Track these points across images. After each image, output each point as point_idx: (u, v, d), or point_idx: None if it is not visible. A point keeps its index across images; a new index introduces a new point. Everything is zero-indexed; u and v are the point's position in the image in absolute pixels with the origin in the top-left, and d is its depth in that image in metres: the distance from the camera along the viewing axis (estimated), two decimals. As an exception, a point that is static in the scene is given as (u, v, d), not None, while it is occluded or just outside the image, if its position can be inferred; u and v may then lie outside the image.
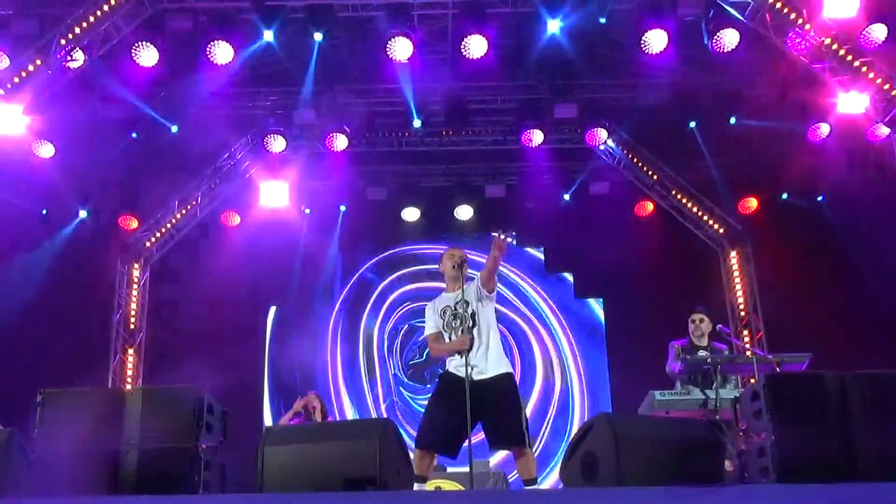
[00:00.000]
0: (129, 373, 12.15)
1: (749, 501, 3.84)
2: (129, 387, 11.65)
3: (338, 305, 13.22)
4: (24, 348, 10.60)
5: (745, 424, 4.63)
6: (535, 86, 11.53)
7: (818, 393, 4.27)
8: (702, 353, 7.23)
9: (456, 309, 5.74)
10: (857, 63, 9.36)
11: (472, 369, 5.47)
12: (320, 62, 10.65)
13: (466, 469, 5.45)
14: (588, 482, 4.30)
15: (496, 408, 5.49)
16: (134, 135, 11.43)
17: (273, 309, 13.07)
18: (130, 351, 12.29)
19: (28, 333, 10.76)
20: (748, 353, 7.25)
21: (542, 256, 13.25)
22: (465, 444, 5.44)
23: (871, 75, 9.35)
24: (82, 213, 12.18)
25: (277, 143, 11.67)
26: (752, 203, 12.66)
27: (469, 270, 5.90)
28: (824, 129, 11.21)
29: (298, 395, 11.54)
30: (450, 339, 5.75)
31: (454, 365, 5.68)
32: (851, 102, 9.92)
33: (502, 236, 5.62)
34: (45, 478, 4.26)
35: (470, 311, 5.75)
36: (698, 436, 4.53)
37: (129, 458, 4.41)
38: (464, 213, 12.92)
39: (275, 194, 12.52)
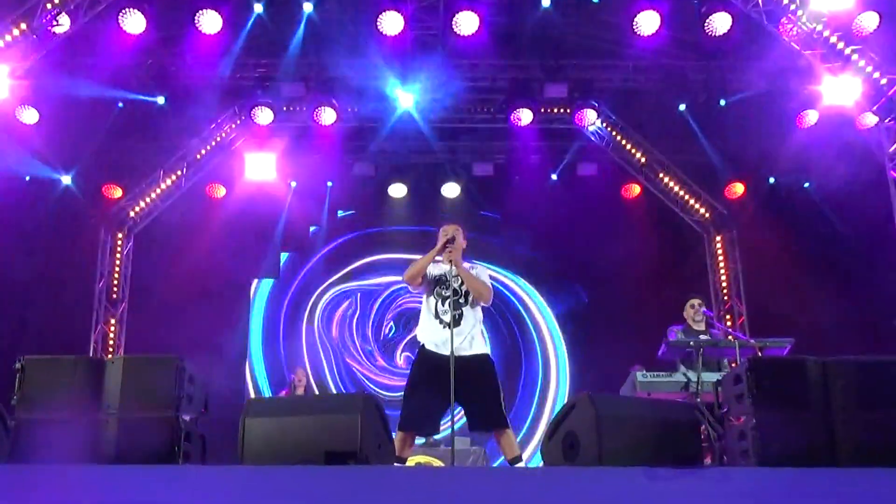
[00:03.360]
0: (111, 342, 12.10)
1: (728, 484, 3.85)
2: (111, 356, 11.60)
3: (323, 280, 13.21)
4: (5, 316, 10.52)
5: (726, 407, 4.64)
6: (525, 65, 11.48)
7: (800, 377, 4.28)
8: (703, 336, 7.24)
9: (449, 279, 5.72)
10: (847, 51, 9.37)
11: (455, 344, 5.44)
12: (310, 34, 10.57)
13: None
14: (569, 461, 4.31)
15: (477, 390, 5.50)
16: (120, 104, 11.32)
17: (256, 282, 13.04)
18: (112, 321, 12.23)
19: (9, 301, 10.68)
20: (730, 337, 7.28)
21: (527, 236, 13.23)
22: (447, 419, 5.46)
23: (862, 63, 9.37)
24: (66, 180, 12.05)
25: (264, 116, 11.57)
26: (739, 188, 12.68)
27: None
28: (812, 116, 11.22)
29: (285, 369, 11.57)
30: (436, 306, 5.74)
31: (433, 342, 5.66)
32: (840, 91, 9.95)
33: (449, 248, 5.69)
34: (24, 445, 4.24)
35: (465, 288, 5.74)
36: (679, 418, 4.55)
37: (108, 428, 4.37)
38: (451, 190, 12.89)
39: (261, 167, 12.46)
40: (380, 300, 13.12)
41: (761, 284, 11.99)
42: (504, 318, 13.00)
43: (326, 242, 13.19)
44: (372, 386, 12.60)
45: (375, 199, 12.99)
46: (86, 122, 11.30)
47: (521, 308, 13.21)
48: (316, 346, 12.91)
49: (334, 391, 12.23)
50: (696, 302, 7.54)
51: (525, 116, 11.66)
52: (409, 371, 5.84)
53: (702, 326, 7.47)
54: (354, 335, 13.02)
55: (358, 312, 13.12)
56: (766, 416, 4.20)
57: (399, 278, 12.55)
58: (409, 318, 12.69)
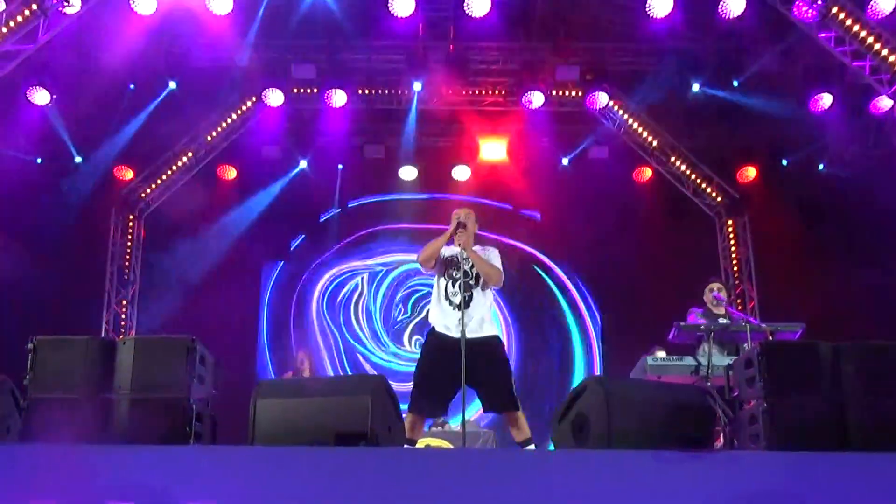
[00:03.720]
0: (123, 324, 12.16)
1: (738, 467, 3.84)
2: (121, 337, 11.65)
3: (323, 255, 13.20)
4: (18, 298, 10.57)
5: (737, 391, 4.63)
6: (536, 47, 11.41)
7: (812, 361, 4.26)
8: (722, 320, 7.21)
9: (460, 262, 5.71)
10: (863, 33, 9.28)
11: (465, 326, 5.44)
12: (321, 16, 10.54)
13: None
14: (579, 443, 4.31)
15: (488, 373, 5.48)
16: (132, 86, 11.33)
17: (268, 263, 13.04)
18: (124, 302, 12.29)
19: (22, 283, 10.73)
20: (742, 321, 7.23)
21: (537, 219, 13.18)
22: (455, 400, 5.45)
23: (878, 47, 9.28)
24: (77, 162, 12.08)
25: (275, 97, 11.57)
26: (751, 172, 12.62)
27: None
28: (827, 99, 11.13)
29: (293, 350, 11.55)
30: (446, 288, 5.73)
31: (443, 325, 5.66)
32: (854, 74, 9.88)
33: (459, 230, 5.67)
34: (36, 425, 4.26)
35: (475, 270, 5.73)
36: (689, 401, 4.53)
37: (120, 408, 4.39)
38: (461, 173, 12.86)
39: (272, 148, 12.47)
40: (388, 281, 13.08)
41: (773, 269, 11.94)
42: (524, 299, 12.96)
43: (336, 225, 13.16)
44: (376, 372, 12.56)
45: (386, 181, 12.95)
46: (97, 104, 11.32)
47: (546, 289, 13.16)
48: (313, 327, 12.88)
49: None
50: (715, 286, 7.50)
51: (536, 99, 11.61)
52: (418, 354, 5.84)
53: (721, 310, 7.43)
54: (361, 318, 13.00)
55: (364, 294, 13.08)
56: (776, 399, 4.19)
57: (405, 256, 12.67)
58: (418, 300, 12.68)
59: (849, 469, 3.69)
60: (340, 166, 12.94)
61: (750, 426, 4.38)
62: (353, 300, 13.07)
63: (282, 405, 4.34)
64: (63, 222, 11.43)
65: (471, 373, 5.31)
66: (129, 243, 12.51)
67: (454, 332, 5.48)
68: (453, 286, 5.67)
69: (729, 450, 4.78)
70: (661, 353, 7.12)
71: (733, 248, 12.69)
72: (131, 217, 12.57)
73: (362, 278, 13.14)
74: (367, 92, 11.99)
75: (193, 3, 9.99)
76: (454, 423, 8.99)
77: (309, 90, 11.84)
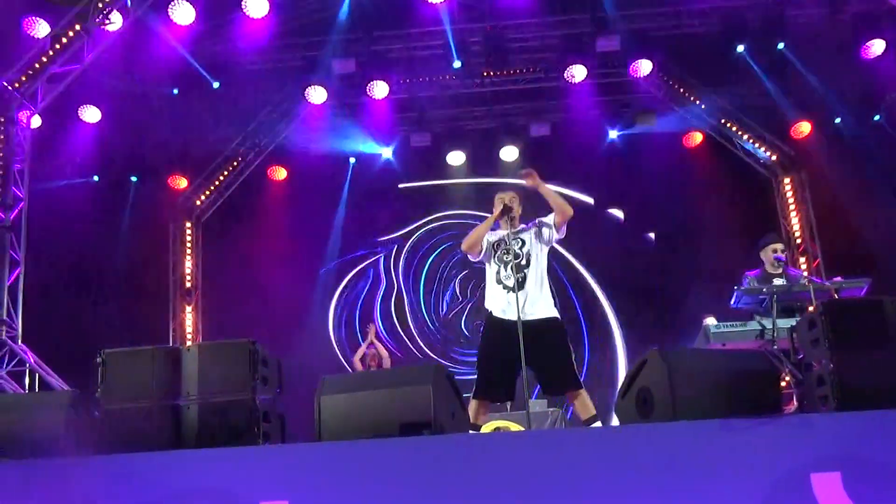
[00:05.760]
0: (189, 330, 12.41)
1: (809, 430, 3.79)
2: (189, 344, 11.89)
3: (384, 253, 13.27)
4: (88, 312, 10.84)
5: (802, 353, 4.54)
6: (575, 20, 11.28)
7: (877, 318, 4.15)
8: (778, 281, 7.05)
9: (510, 245, 5.69)
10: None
11: (521, 308, 5.43)
12: (356, 9, 10.57)
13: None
14: (643, 418, 4.28)
15: (547, 354, 5.47)
16: (175, 90, 11.48)
17: (323, 258, 13.15)
18: (188, 308, 12.54)
19: (91, 297, 11.01)
20: (805, 280, 7.05)
21: (590, 193, 13.05)
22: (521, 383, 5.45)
23: (928, -15, 8.98)
24: (133, 176, 12.33)
25: (318, 95, 11.64)
26: (806, 127, 12.30)
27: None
28: (878, 46, 10.79)
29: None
30: (498, 272, 5.72)
31: (500, 308, 5.65)
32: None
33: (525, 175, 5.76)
34: (110, 435, 4.38)
35: (525, 250, 5.71)
36: (753, 367, 4.46)
37: (189, 413, 4.50)
38: (509, 154, 12.80)
39: (319, 145, 12.56)
40: (426, 271, 13.04)
41: (835, 224, 11.65)
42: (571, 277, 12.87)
43: (388, 217, 13.22)
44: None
45: (435, 168, 12.97)
46: (146, 115, 11.52)
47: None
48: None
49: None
50: (778, 247, 7.31)
51: (578, 73, 11.47)
52: (477, 345, 5.86)
53: (779, 271, 7.26)
54: (395, 319, 13.00)
55: (396, 287, 13.07)
56: (843, 359, 4.10)
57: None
58: (470, 279, 12.58)
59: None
60: (390, 156, 12.89)
61: (818, 388, 4.29)
62: (379, 297, 13.08)
63: (345, 400, 4.40)
64: (123, 237, 11.70)
65: (530, 355, 5.30)
66: (188, 251, 12.75)
67: (510, 315, 5.47)
68: (505, 269, 5.66)
69: (798, 413, 4.69)
70: (712, 321, 6.96)
71: (793, 207, 12.43)
72: (189, 225, 12.80)
73: (376, 268, 13.15)
74: (408, 80, 11.99)
75: (230, 7, 10.12)
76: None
77: (350, 84, 11.89)
